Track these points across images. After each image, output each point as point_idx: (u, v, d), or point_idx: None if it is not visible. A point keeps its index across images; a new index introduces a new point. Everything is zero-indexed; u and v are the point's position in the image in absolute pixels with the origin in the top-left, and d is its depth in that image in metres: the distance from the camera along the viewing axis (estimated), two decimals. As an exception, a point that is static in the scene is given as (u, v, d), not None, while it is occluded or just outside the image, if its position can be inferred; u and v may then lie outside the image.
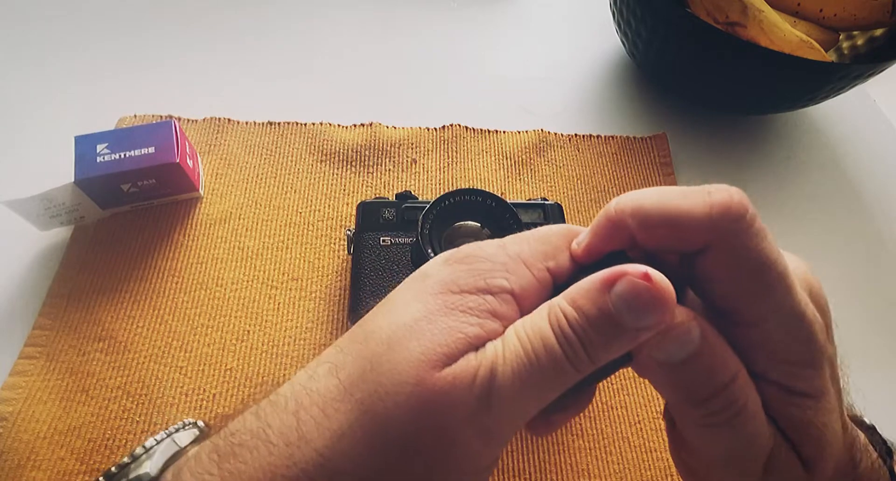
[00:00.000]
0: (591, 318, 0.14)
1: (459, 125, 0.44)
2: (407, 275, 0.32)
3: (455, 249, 0.17)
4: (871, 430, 0.20)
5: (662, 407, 0.33)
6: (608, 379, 0.34)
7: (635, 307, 0.14)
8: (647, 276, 0.14)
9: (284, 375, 0.32)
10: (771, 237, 0.16)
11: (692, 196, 0.15)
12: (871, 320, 0.39)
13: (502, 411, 0.14)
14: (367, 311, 0.31)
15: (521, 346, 0.15)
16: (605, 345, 0.14)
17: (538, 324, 0.15)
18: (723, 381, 0.15)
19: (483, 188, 0.36)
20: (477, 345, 0.15)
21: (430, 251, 0.27)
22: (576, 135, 0.45)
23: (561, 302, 0.15)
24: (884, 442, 0.20)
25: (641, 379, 0.34)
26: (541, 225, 0.34)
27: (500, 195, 0.29)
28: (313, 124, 0.43)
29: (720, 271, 0.15)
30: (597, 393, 0.33)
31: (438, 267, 0.17)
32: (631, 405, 0.33)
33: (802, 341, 0.15)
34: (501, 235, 0.30)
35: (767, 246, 0.15)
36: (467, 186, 0.40)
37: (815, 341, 0.16)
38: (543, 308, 0.15)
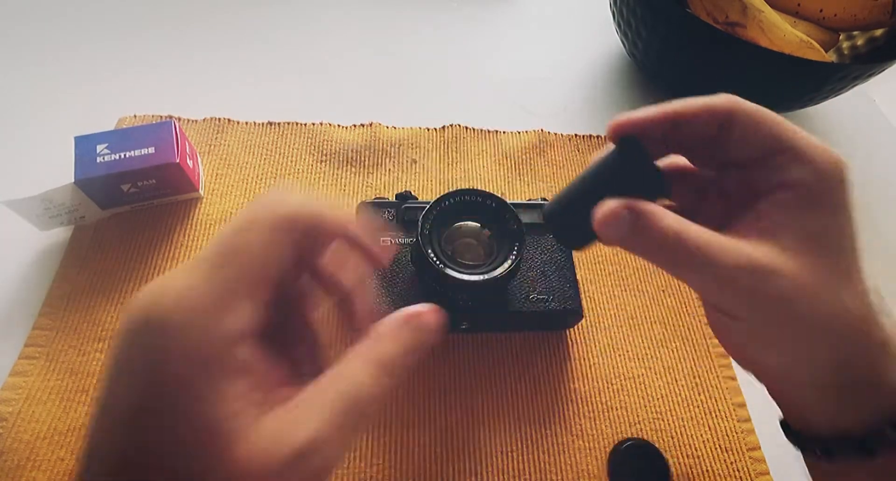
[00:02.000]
0: (397, 354, 0.18)
1: (459, 125, 0.44)
2: (407, 275, 0.32)
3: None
4: None
5: (662, 410, 0.33)
6: (609, 380, 0.34)
7: (425, 334, 0.18)
8: (435, 311, 0.19)
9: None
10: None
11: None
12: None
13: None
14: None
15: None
16: (402, 365, 0.18)
17: (357, 373, 0.17)
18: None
19: (483, 188, 0.36)
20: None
21: (429, 251, 0.27)
22: (576, 135, 0.45)
23: (374, 345, 0.18)
24: None
25: (641, 381, 0.34)
26: (541, 225, 0.34)
27: (500, 195, 0.29)
28: (313, 124, 0.43)
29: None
30: (596, 393, 0.33)
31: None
32: (631, 405, 0.33)
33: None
34: (502, 235, 0.30)
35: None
36: (467, 186, 0.39)
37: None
38: (355, 355, 0.17)
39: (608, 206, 0.20)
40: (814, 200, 0.21)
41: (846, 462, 0.21)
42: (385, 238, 0.32)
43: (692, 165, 0.24)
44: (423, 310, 0.19)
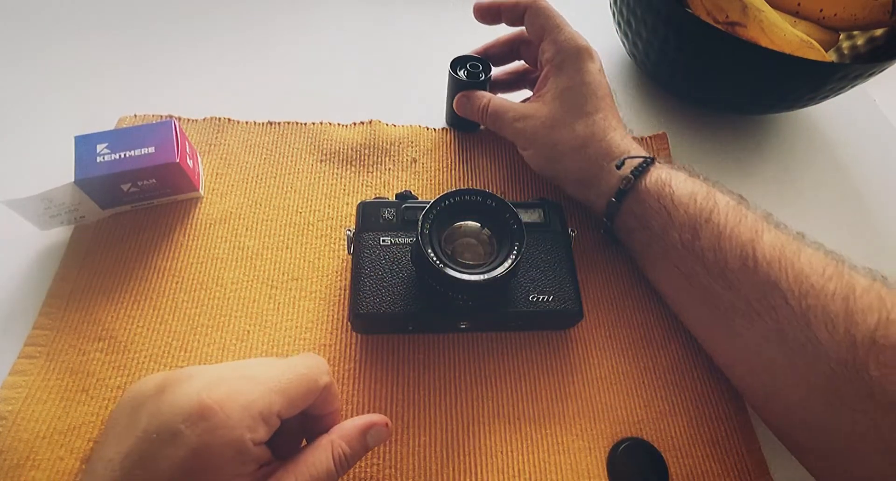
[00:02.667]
0: (356, 451, 0.24)
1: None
2: (407, 276, 0.32)
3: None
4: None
5: (663, 410, 0.33)
6: (609, 380, 0.34)
7: (378, 440, 0.26)
8: (387, 424, 0.26)
9: (284, 375, 0.32)
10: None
11: None
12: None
13: None
14: (367, 312, 0.31)
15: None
16: (357, 458, 0.25)
17: (323, 462, 0.23)
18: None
19: (483, 188, 0.36)
20: None
21: (429, 251, 0.27)
22: (576, 135, 0.45)
23: (341, 443, 0.24)
24: (648, 158, 0.34)
25: (641, 381, 0.34)
26: (541, 224, 0.34)
27: (500, 195, 0.29)
28: (313, 124, 0.43)
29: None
30: (596, 393, 0.33)
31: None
32: (631, 405, 0.33)
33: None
34: (502, 235, 0.30)
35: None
36: (467, 186, 0.40)
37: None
38: (323, 447, 0.24)
39: (457, 97, 0.40)
40: (558, 70, 0.36)
41: (609, 229, 0.35)
42: (385, 238, 0.33)
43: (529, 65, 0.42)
44: (377, 421, 0.26)
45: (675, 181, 0.33)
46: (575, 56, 0.36)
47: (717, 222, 0.31)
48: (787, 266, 0.28)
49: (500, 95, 0.40)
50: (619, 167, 0.33)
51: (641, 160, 0.34)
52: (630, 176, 0.33)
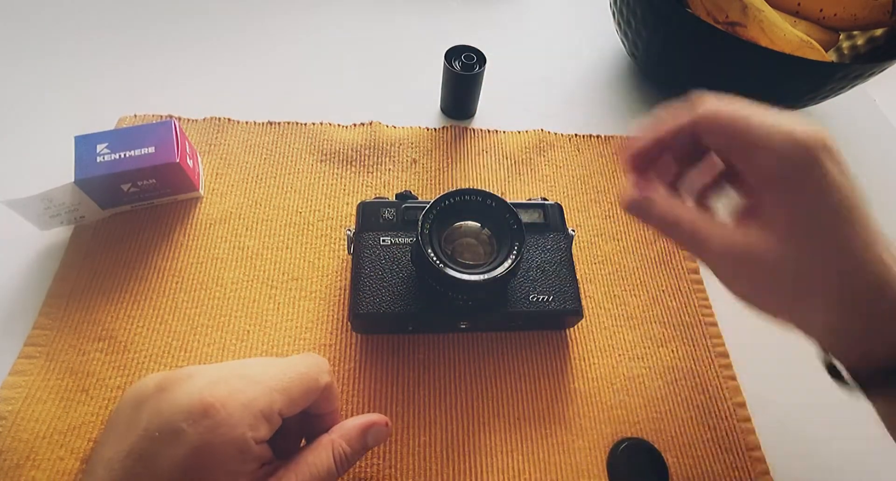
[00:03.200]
0: (356, 450, 0.25)
1: (459, 125, 0.45)
2: (407, 275, 0.32)
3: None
4: None
5: (662, 410, 0.33)
6: (609, 380, 0.34)
7: (378, 440, 0.26)
8: (387, 423, 0.26)
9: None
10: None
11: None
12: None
13: None
14: (367, 312, 0.31)
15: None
16: (358, 457, 0.25)
17: (324, 461, 0.23)
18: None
19: (483, 188, 0.36)
20: None
21: (429, 251, 0.27)
22: (576, 135, 0.45)
23: (342, 443, 0.24)
24: None
25: (641, 381, 0.34)
26: (541, 224, 0.34)
27: (500, 195, 0.29)
28: (313, 124, 0.43)
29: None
30: (596, 393, 0.33)
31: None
32: (631, 405, 0.33)
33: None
34: (502, 235, 0.30)
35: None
36: (467, 186, 0.40)
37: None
38: (324, 446, 0.24)
39: (631, 199, 0.27)
40: (780, 188, 0.23)
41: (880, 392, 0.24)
42: (385, 238, 0.32)
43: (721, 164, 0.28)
44: (377, 420, 0.26)
45: None
46: (802, 161, 0.23)
47: None
48: None
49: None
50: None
51: None
52: None
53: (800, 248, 0.23)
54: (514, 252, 0.28)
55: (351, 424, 0.25)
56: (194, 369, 0.23)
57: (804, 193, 0.23)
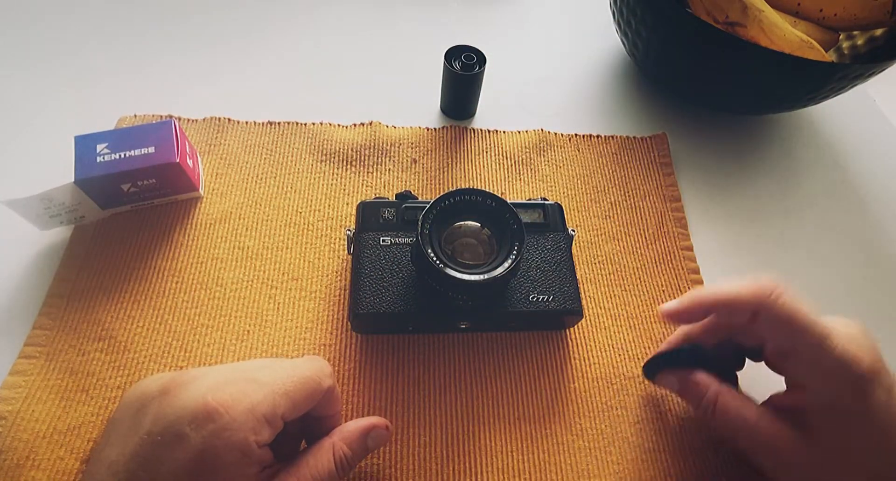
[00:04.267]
0: (357, 453, 0.25)
1: (459, 125, 0.45)
2: (407, 275, 0.32)
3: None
4: None
5: (662, 409, 0.33)
6: (609, 380, 0.34)
7: (378, 442, 0.26)
8: (387, 426, 0.26)
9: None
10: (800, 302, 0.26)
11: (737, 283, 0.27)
12: (870, 318, 0.39)
13: None
14: (367, 312, 0.31)
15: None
16: (358, 460, 0.25)
17: (325, 464, 0.23)
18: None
19: (483, 188, 0.36)
20: None
21: (429, 251, 0.27)
22: (576, 135, 0.45)
23: (342, 445, 0.24)
24: None
25: (641, 381, 0.34)
26: (541, 224, 0.34)
27: (500, 195, 0.29)
28: (313, 124, 0.43)
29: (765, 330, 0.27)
30: (596, 393, 0.33)
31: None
32: (631, 405, 0.33)
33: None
34: (502, 235, 0.30)
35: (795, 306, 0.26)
36: (467, 186, 0.40)
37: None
38: (325, 449, 0.24)
39: (664, 374, 0.31)
40: (827, 413, 0.25)
41: None
42: (385, 238, 0.33)
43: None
44: (378, 424, 0.26)
45: None
46: (851, 392, 0.25)
47: None
48: None
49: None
50: None
51: None
52: None
53: (836, 470, 0.25)
54: (514, 252, 0.28)
55: (352, 427, 0.25)
56: (197, 371, 0.23)
57: (847, 422, 0.25)
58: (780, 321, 0.26)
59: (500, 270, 0.27)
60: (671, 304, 0.29)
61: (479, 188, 0.29)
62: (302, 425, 0.26)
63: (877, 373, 0.25)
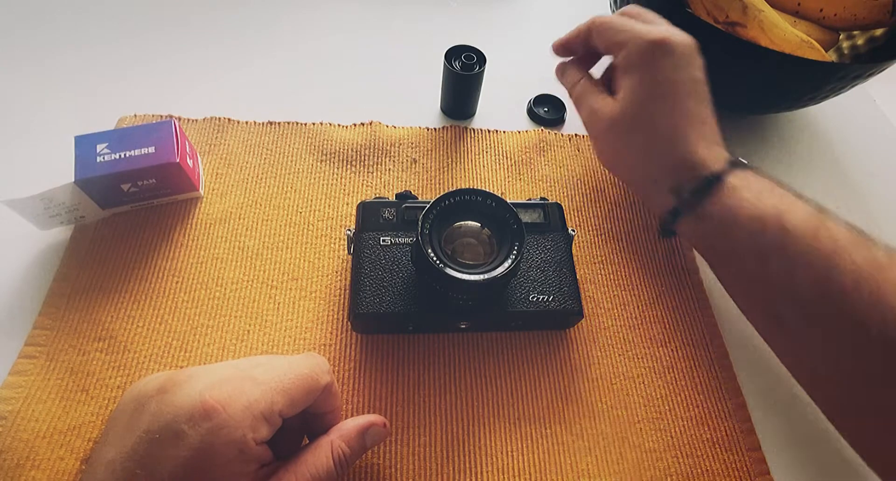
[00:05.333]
0: (355, 451, 0.25)
1: (459, 125, 0.45)
2: (407, 275, 0.32)
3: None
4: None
5: (663, 409, 0.33)
6: (609, 380, 0.34)
7: (376, 440, 0.26)
8: (385, 424, 0.27)
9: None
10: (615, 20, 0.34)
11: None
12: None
13: None
14: (367, 311, 0.31)
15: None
16: (357, 458, 0.25)
17: (324, 463, 0.23)
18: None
19: (483, 188, 0.36)
20: None
21: (429, 251, 0.27)
22: (576, 135, 0.45)
23: (341, 443, 0.24)
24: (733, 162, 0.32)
25: (641, 381, 0.34)
26: (541, 224, 0.34)
27: (500, 195, 0.29)
28: (313, 124, 0.43)
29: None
30: (596, 393, 0.33)
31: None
32: (631, 405, 0.33)
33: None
34: (502, 235, 0.30)
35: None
36: (467, 186, 0.40)
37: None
38: (323, 448, 0.24)
39: (558, 66, 0.40)
40: (626, 71, 0.33)
41: (681, 225, 0.32)
42: (385, 238, 0.32)
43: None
44: (376, 421, 0.26)
45: (745, 202, 0.29)
46: (642, 53, 0.32)
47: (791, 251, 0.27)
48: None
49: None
50: (675, 193, 0.31)
51: (701, 181, 0.30)
52: (686, 199, 0.31)
53: (624, 116, 0.33)
54: (514, 252, 0.28)
55: (349, 425, 0.25)
56: (196, 370, 0.23)
57: (637, 77, 0.32)
58: (598, 32, 0.35)
59: (500, 270, 0.27)
60: (558, 39, 0.38)
61: (479, 188, 0.29)
62: (302, 422, 0.26)
63: (671, 47, 0.32)
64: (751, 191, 0.29)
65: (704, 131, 0.32)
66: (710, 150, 0.31)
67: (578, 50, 0.38)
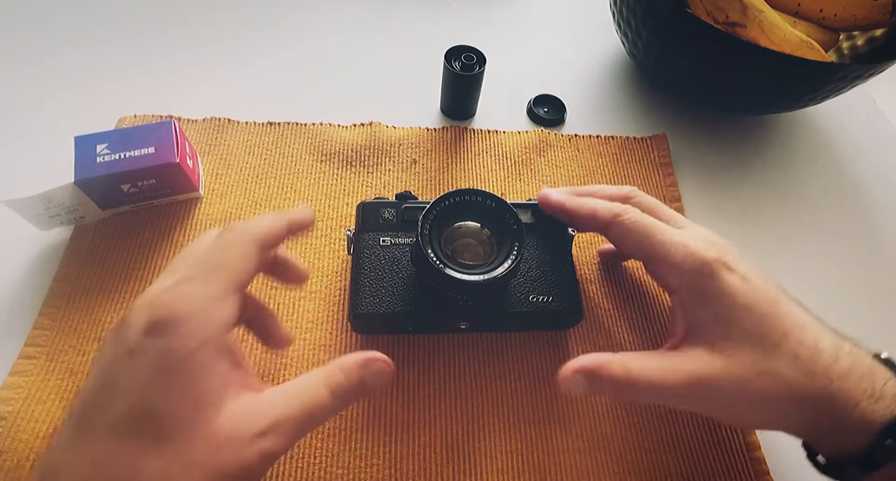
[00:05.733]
0: (353, 383, 0.22)
1: (459, 125, 0.45)
2: (407, 276, 0.32)
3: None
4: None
5: (663, 410, 0.33)
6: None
7: (377, 380, 0.23)
8: (387, 362, 0.23)
9: (284, 375, 0.32)
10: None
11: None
12: (870, 318, 0.39)
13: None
14: (367, 312, 0.31)
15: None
16: (355, 395, 0.22)
17: (319, 390, 0.22)
18: None
19: (483, 188, 0.36)
20: None
21: (429, 251, 0.27)
22: (576, 135, 0.45)
23: (336, 371, 0.22)
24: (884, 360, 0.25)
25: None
26: (541, 225, 0.34)
27: (500, 195, 0.29)
28: (313, 124, 0.43)
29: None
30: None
31: None
32: (631, 406, 0.33)
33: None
34: (502, 235, 0.30)
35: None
36: (467, 186, 0.40)
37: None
38: (318, 375, 0.22)
39: (565, 371, 0.24)
40: (690, 304, 0.26)
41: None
42: (385, 238, 0.32)
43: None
44: (378, 357, 0.23)
45: None
46: (708, 278, 0.25)
47: None
48: None
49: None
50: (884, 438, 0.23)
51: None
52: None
53: (725, 354, 0.24)
54: (514, 252, 0.28)
55: (350, 358, 0.23)
56: (136, 303, 0.21)
57: (708, 308, 0.25)
58: (626, 234, 0.28)
59: (500, 271, 0.27)
60: (553, 195, 0.31)
61: (478, 188, 0.29)
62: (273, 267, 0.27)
63: (722, 262, 0.25)
64: None
65: (823, 333, 0.25)
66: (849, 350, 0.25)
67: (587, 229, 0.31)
